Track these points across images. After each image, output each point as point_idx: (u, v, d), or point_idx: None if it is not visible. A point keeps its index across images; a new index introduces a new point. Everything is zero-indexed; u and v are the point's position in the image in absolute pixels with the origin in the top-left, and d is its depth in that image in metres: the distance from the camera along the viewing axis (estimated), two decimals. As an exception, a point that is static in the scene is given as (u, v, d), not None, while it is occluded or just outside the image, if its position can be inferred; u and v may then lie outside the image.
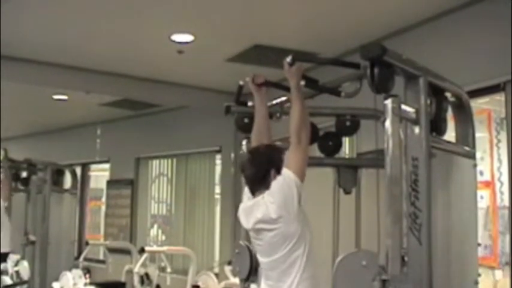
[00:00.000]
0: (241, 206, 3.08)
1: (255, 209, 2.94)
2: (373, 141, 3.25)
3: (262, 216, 2.90)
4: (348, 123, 3.94)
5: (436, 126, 3.05)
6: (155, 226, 9.87)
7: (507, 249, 5.17)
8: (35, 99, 8.71)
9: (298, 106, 2.88)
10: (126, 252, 7.49)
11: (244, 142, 3.74)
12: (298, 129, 2.87)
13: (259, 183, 2.97)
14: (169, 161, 9.56)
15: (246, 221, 3.01)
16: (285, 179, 2.86)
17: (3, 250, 6.87)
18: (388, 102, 2.58)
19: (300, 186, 2.87)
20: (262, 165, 2.98)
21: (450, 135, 3.35)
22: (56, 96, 8.42)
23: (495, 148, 5.52)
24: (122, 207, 9.89)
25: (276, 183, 2.88)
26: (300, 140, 2.87)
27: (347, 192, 4.12)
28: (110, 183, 10.34)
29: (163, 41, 5.79)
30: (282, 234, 2.86)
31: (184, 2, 4.96)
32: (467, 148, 3.36)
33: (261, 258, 3.05)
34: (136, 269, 6.13)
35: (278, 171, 2.95)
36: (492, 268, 5.52)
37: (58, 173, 7.93)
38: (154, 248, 7.72)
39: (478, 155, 3.62)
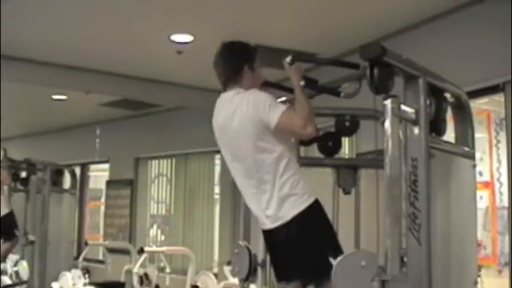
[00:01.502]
0: (218, 100, 3.08)
1: (228, 103, 2.95)
2: (373, 141, 3.25)
3: (233, 109, 2.90)
4: (347, 124, 3.94)
5: (436, 127, 3.05)
6: (154, 226, 9.87)
7: (506, 250, 5.17)
8: (35, 99, 8.70)
9: (304, 102, 2.84)
10: (125, 252, 7.48)
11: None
12: (307, 119, 2.80)
13: (231, 78, 2.98)
14: (169, 161, 9.56)
15: (218, 115, 3.02)
16: (270, 108, 2.80)
17: None
18: (388, 102, 2.58)
19: (268, 128, 2.82)
20: (236, 58, 3.00)
21: (449, 135, 3.36)
22: (55, 96, 8.42)
23: (494, 149, 5.53)
24: (121, 208, 9.89)
25: (262, 98, 2.85)
26: (305, 127, 2.79)
27: (346, 192, 4.11)
28: (109, 183, 10.34)
29: (162, 41, 5.79)
30: (247, 133, 2.85)
31: (183, 2, 4.96)
32: (466, 148, 3.36)
33: (236, 164, 3.00)
34: (135, 269, 6.13)
35: (251, 68, 2.97)
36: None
37: (57, 173, 7.94)
38: (154, 248, 7.72)
39: (478, 155, 3.63)
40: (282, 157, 2.86)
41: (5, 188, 7.30)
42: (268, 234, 2.98)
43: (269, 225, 2.91)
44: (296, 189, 2.84)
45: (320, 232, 2.87)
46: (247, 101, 2.87)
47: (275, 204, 2.85)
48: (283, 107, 2.84)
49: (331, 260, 2.56)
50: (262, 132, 2.84)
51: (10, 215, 7.20)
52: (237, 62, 2.99)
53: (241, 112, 2.88)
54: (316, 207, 2.86)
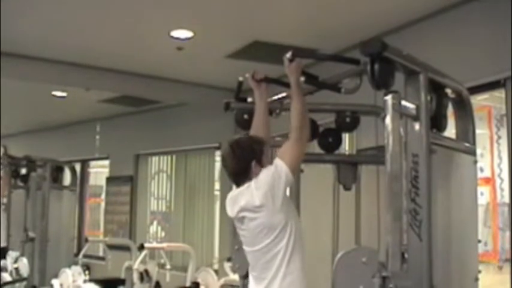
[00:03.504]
0: (229, 195, 3.06)
1: (240, 197, 2.91)
2: (373, 137, 3.25)
3: (245, 203, 2.87)
4: (348, 120, 3.93)
5: (437, 123, 3.04)
6: (155, 223, 9.87)
7: (507, 246, 5.17)
8: (34, 96, 8.70)
9: (298, 103, 2.86)
10: (125, 248, 7.47)
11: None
12: (299, 125, 2.83)
13: (241, 176, 2.94)
14: (169, 157, 9.56)
15: (231, 209, 2.99)
16: (276, 169, 2.81)
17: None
18: (388, 98, 2.58)
19: (290, 180, 2.83)
20: (244, 157, 2.95)
21: (450, 131, 3.35)
22: (55, 93, 8.41)
23: (495, 145, 5.54)
24: (122, 204, 9.89)
25: (266, 172, 2.85)
26: (300, 136, 2.84)
27: (347, 188, 4.10)
28: (110, 180, 10.34)
29: (162, 38, 5.78)
30: (264, 224, 2.83)
31: (183, -2, 4.95)
32: (467, 144, 3.36)
33: (246, 248, 3.03)
34: (135, 266, 6.12)
35: (259, 163, 2.93)
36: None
37: (57, 170, 7.94)
38: (154, 244, 7.70)
39: (478, 151, 3.62)
40: (290, 244, 2.83)
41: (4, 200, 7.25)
42: None
43: None
44: (296, 284, 2.82)
45: None
46: (257, 188, 2.85)
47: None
48: (279, 161, 2.83)
49: None
50: (286, 211, 2.83)
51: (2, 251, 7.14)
52: (245, 160, 2.95)
53: (258, 202, 2.84)
54: None
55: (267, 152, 3.02)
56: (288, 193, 2.98)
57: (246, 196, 2.88)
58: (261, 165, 2.94)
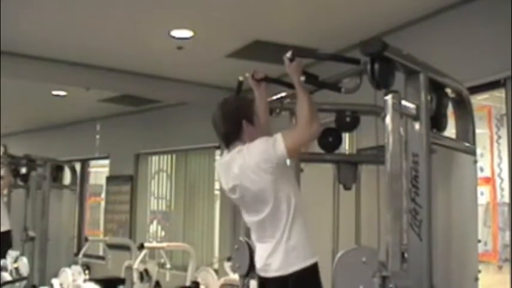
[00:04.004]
0: (219, 162, 3.05)
1: (232, 163, 2.90)
2: (373, 137, 3.24)
3: (238, 170, 2.86)
4: (348, 119, 3.94)
5: (437, 123, 3.04)
6: (155, 222, 9.87)
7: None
8: (34, 95, 8.69)
9: (305, 100, 2.82)
10: (125, 248, 7.47)
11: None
12: (309, 118, 2.78)
13: (233, 136, 2.94)
14: (169, 157, 9.56)
15: (225, 178, 2.99)
16: (274, 142, 2.78)
17: None
18: (389, 98, 2.57)
19: (282, 159, 2.80)
20: (233, 116, 2.95)
21: (450, 131, 3.35)
22: (55, 92, 8.41)
23: (495, 144, 5.54)
24: (122, 203, 9.89)
25: (262, 140, 2.82)
26: (309, 127, 2.77)
27: (347, 188, 4.11)
28: (110, 179, 10.34)
29: (162, 37, 5.78)
30: (256, 192, 2.84)
31: (183, -3, 4.95)
32: (467, 144, 3.36)
33: (245, 217, 3.03)
34: (135, 265, 6.11)
35: (250, 122, 2.93)
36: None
37: (57, 169, 7.94)
38: (154, 244, 7.71)
39: (478, 151, 3.62)
40: (290, 210, 2.84)
41: (5, 197, 7.27)
42: (262, 282, 2.99)
43: (267, 273, 2.92)
44: (302, 246, 2.84)
45: None
46: (250, 157, 2.83)
47: (279, 254, 2.84)
48: (279, 136, 2.80)
49: None
50: (274, 180, 2.81)
51: (8, 234, 7.16)
52: (235, 119, 2.94)
53: (248, 169, 2.84)
54: (315, 269, 2.86)
55: (257, 112, 3.01)
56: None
57: (238, 161, 2.87)
58: (253, 124, 2.93)
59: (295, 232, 2.83)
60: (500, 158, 5.35)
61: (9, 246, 7.13)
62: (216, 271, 6.48)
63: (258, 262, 3.00)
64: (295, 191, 2.91)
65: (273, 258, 2.87)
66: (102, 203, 10.76)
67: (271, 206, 2.83)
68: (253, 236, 3.04)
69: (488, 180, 5.55)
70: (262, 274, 2.96)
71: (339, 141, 4.07)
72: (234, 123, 2.93)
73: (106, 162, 10.62)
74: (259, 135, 2.89)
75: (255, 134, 2.91)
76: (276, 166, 2.80)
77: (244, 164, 2.84)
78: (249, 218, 3.00)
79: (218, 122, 2.98)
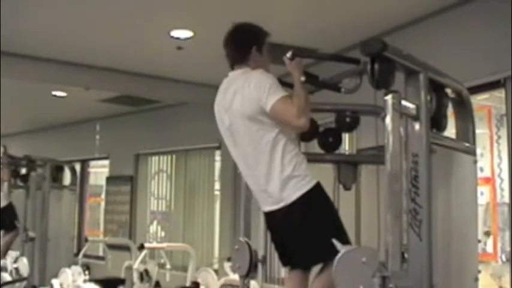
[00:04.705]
0: (225, 80, 3.10)
1: (233, 81, 2.98)
2: (373, 137, 3.24)
3: (235, 88, 2.92)
4: (348, 119, 3.93)
5: (437, 123, 3.04)
6: (155, 222, 9.87)
7: (507, 246, 5.17)
8: (34, 96, 8.69)
9: (302, 95, 2.82)
10: (125, 248, 7.47)
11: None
12: (302, 111, 2.76)
13: (239, 57, 3.01)
14: (169, 157, 9.56)
15: (223, 98, 3.03)
16: (269, 93, 2.79)
17: None
18: (388, 98, 2.57)
19: (262, 108, 2.82)
20: (245, 39, 3.02)
21: (450, 131, 3.35)
22: (55, 93, 8.41)
23: (495, 144, 5.53)
24: (121, 204, 9.89)
25: (265, 80, 2.84)
26: (299, 118, 2.76)
27: (347, 188, 4.10)
28: (109, 179, 10.34)
29: (162, 37, 5.78)
30: (245, 114, 2.87)
31: (183, -3, 4.95)
32: (467, 144, 3.36)
33: (232, 151, 3.03)
34: (135, 266, 6.12)
35: (259, 51, 2.99)
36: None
37: (57, 170, 7.93)
38: (154, 244, 7.71)
39: (478, 151, 3.62)
40: (280, 138, 2.85)
41: (5, 183, 7.31)
42: (269, 217, 2.98)
43: (270, 207, 2.91)
44: (299, 170, 2.83)
45: (323, 214, 2.86)
46: (249, 81, 2.88)
47: (277, 185, 2.84)
48: (282, 93, 2.82)
49: (335, 242, 2.54)
50: (260, 112, 2.84)
51: (10, 207, 7.23)
52: (246, 43, 3.01)
53: (243, 91, 2.89)
54: (318, 189, 2.86)
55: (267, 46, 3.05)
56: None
57: (239, 81, 2.92)
58: (261, 53, 2.99)
59: (288, 162, 2.83)
60: (500, 158, 5.35)
61: (14, 217, 7.19)
62: (216, 271, 6.49)
63: (257, 197, 3.01)
64: (284, 127, 2.89)
65: (270, 191, 2.87)
66: (102, 204, 10.76)
67: (256, 135, 2.86)
68: (243, 171, 3.03)
69: (488, 181, 5.53)
70: (266, 208, 2.96)
71: (339, 142, 4.07)
72: (244, 47, 3.01)
73: (106, 162, 10.62)
74: (264, 67, 2.96)
75: (261, 63, 2.99)
76: (261, 106, 2.83)
77: (243, 85, 2.89)
78: (234, 147, 3.00)
79: (229, 41, 3.06)
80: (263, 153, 2.86)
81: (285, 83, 3.18)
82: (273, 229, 3.03)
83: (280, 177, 2.83)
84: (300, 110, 2.76)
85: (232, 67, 3.05)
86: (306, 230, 2.81)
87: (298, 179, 2.82)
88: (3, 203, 7.10)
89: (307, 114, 2.81)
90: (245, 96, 2.87)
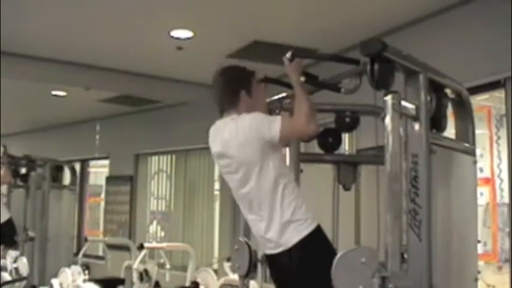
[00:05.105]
0: (213, 126, 3.04)
1: (223, 127, 2.90)
2: (373, 137, 3.23)
3: (228, 136, 2.86)
4: (347, 120, 3.93)
5: (436, 123, 3.04)
6: (154, 222, 9.86)
7: (507, 246, 5.17)
8: (34, 96, 8.69)
9: (305, 100, 2.80)
10: (125, 248, 7.46)
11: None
12: (309, 117, 2.75)
13: (228, 102, 2.93)
14: (169, 157, 9.56)
15: (213, 141, 2.99)
16: (270, 123, 2.76)
17: None
18: (388, 98, 2.57)
19: (273, 139, 2.78)
20: (232, 83, 2.94)
21: (450, 131, 3.35)
22: (55, 92, 8.41)
23: (495, 145, 5.53)
24: (121, 204, 9.89)
25: (258, 116, 2.81)
26: (309, 125, 2.75)
27: (346, 188, 4.10)
28: (109, 179, 10.34)
29: (162, 37, 5.79)
30: (241, 162, 2.83)
31: (183, -3, 4.95)
32: (467, 145, 3.36)
33: (233, 191, 3.01)
34: (135, 266, 6.11)
35: (248, 94, 2.92)
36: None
37: (57, 169, 7.93)
38: (154, 244, 7.70)
39: (478, 151, 3.62)
40: (279, 182, 2.82)
41: (4, 191, 7.30)
42: (270, 259, 2.98)
43: (270, 251, 2.91)
44: (298, 214, 2.80)
45: (322, 259, 2.77)
46: (243, 126, 2.82)
47: (276, 230, 2.82)
48: (279, 118, 2.80)
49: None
50: (262, 154, 2.80)
51: (10, 222, 7.19)
52: (234, 87, 2.94)
53: (238, 138, 2.83)
54: (318, 233, 2.83)
55: (257, 85, 3.00)
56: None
57: (230, 127, 2.86)
58: (250, 96, 2.92)
59: (287, 207, 2.80)
60: (500, 158, 5.35)
61: (14, 233, 7.16)
62: (216, 271, 6.48)
63: (260, 242, 3.00)
64: (282, 166, 2.88)
65: (269, 237, 2.85)
66: (102, 203, 10.76)
67: (255, 180, 2.82)
68: (245, 214, 3.02)
69: (488, 181, 5.54)
70: (267, 252, 2.95)
71: (338, 142, 4.06)
72: (233, 91, 2.93)
73: (106, 162, 10.62)
74: (254, 110, 2.88)
75: (251, 106, 2.91)
76: (265, 144, 2.79)
77: (236, 130, 2.83)
78: (236, 191, 2.98)
79: (217, 87, 2.99)
80: (264, 199, 2.84)
81: (284, 84, 3.18)
82: (272, 269, 3.02)
83: (279, 222, 2.80)
84: (307, 116, 2.75)
85: (221, 113, 2.97)
86: (305, 274, 2.80)
87: (298, 224, 2.80)
88: (4, 218, 7.07)
89: (314, 118, 2.80)
90: (243, 142, 2.81)
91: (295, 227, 2.80)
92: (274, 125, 2.76)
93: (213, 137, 3.01)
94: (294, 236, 2.79)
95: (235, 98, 2.92)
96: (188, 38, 5.81)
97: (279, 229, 2.81)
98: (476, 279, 3.16)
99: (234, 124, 2.85)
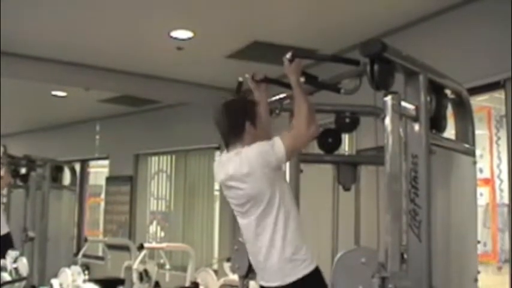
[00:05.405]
0: (217, 160, 3.04)
1: (228, 163, 2.88)
2: (373, 138, 3.24)
3: (233, 171, 2.84)
4: (347, 120, 3.93)
5: (436, 124, 3.04)
6: (154, 223, 9.86)
7: (506, 247, 5.17)
8: (34, 96, 8.70)
9: (303, 102, 2.81)
10: (125, 248, 7.46)
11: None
12: (308, 120, 2.77)
13: (233, 135, 2.91)
14: (169, 157, 9.56)
15: (218, 175, 2.98)
16: (272, 147, 2.77)
17: None
18: (388, 99, 2.57)
19: (281, 161, 2.81)
20: (237, 116, 2.91)
21: (450, 132, 3.35)
22: (54, 93, 8.41)
23: (495, 145, 5.54)
24: (121, 204, 9.89)
25: (261, 144, 2.80)
26: (309, 128, 2.77)
27: (346, 189, 4.11)
28: (109, 179, 10.34)
29: (162, 38, 5.78)
30: (250, 195, 2.81)
31: (183, -2, 4.95)
32: (467, 145, 3.36)
33: (239, 220, 2.99)
34: (135, 266, 6.11)
35: (253, 125, 2.90)
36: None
37: (57, 170, 7.93)
38: (154, 244, 7.70)
39: (478, 152, 3.62)
40: (281, 217, 2.81)
41: (4, 192, 7.29)
42: None
43: (266, 282, 2.90)
44: (299, 254, 2.80)
45: None
46: (247, 158, 2.80)
47: (275, 264, 2.82)
48: (277, 138, 2.80)
49: None
50: (269, 182, 2.80)
51: (8, 236, 7.17)
52: (239, 121, 2.91)
53: (242, 170, 2.81)
54: (316, 275, 2.82)
55: (261, 116, 2.99)
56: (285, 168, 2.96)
57: (234, 163, 2.84)
58: (255, 127, 2.91)
59: (289, 243, 2.80)
60: (499, 159, 5.35)
61: (10, 247, 7.14)
62: (216, 272, 6.48)
63: (254, 268, 3.00)
64: (287, 198, 2.88)
65: (267, 267, 2.85)
66: (102, 204, 10.76)
67: (261, 210, 2.81)
68: (247, 241, 3.01)
69: (488, 182, 5.55)
70: (261, 283, 2.95)
71: (338, 142, 4.07)
72: (238, 124, 2.90)
73: (106, 162, 10.62)
74: (260, 139, 2.86)
75: (256, 137, 2.89)
76: (273, 169, 2.79)
77: (241, 166, 2.81)
78: (241, 220, 2.97)
79: (221, 120, 2.95)
80: (265, 229, 2.83)
81: (284, 84, 3.18)
82: None
83: (279, 257, 2.80)
84: (307, 119, 2.76)
85: (227, 146, 2.95)
86: None
87: (297, 263, 2.79)
88: (3, 231, 7.06)
89: (314, 119, 2.81)
90: (246, 174, 2.80)
91: (294, 267, 2.79)
92: (277, 145, 2.77)
93: (218, 170, 3.00)
94: (291, 275, 2.79)
95: (240, 131, 2.89)
96: (188, 38, 5.81)
97: (277, 263, 2.81)
98: (476, 280, 3.16)
99: (238, 159, 2.84)
